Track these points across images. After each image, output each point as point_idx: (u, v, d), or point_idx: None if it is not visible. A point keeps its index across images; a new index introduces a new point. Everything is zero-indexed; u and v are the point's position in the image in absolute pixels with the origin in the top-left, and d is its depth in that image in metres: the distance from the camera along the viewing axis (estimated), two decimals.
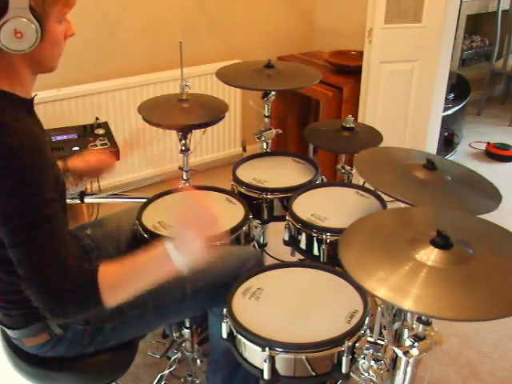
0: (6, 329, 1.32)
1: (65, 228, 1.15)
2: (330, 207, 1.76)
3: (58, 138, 2.33)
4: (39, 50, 1.12)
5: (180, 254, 1.08)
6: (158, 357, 1.96)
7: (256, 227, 1.81)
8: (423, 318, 1.11)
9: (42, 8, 1.09)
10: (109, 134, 2.28)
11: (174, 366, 1.88)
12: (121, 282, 1.12)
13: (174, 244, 1.09)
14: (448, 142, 3.64)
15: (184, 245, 1.09)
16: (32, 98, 1.22)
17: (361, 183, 1.85)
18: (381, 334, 1.30)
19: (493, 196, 1.45)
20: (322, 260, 1.63)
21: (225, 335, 1.32)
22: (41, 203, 1.08)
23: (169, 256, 1.08)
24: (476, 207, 1.40)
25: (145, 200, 1.77)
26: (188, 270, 1.09)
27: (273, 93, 2.10)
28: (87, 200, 2.00)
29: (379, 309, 1.25)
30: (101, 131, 2.26)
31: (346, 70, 3.05)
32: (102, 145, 2.03)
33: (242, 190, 1.90)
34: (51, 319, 1.19)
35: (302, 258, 1.77)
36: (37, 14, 1.08)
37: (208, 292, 1.45)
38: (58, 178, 1.18)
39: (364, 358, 1.25)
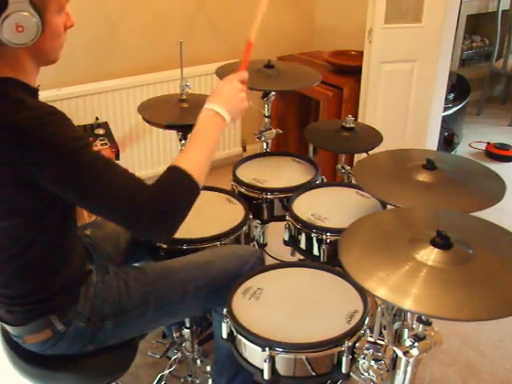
0: (7, 326, 1.31)
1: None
2: (330, 207, 1.76)
3: None
4: (41, 43, 1.13)
5: (223, 106, 1.28)
6: (158, 357, 1.95)
7: (256, 227, 1.81)
8: (423, 317, 1.11)
9: (42, 1, 1.10)
10: (109, 134, 2.27)
11: (174, 366, 1.88)
12: (197, 160, 1.23)
13: (215, 101, 1.28)
14: (448, 142, 3.63)
15: (225, 97, 1.31)
16: (37, 88, 1.23)
17: None
18: (381, 333, 1.30)
19: (497, 185, 1.46)
20: (321, 260, 1.63)
21: (225, 335, 1.32)
22: (90, 148, 1.13)
23: (216, 113, 1.27)
24: (482, 198, 1.41)
25: None
26: (232, 120, 1.29)
27: (273, 93, 2.10)
28: None
29: (379, 309, 1.25)
30: (101, 131, 2.25)
31: (346, 70, 3.05)
32: (102, 145, 2.03)
33: (242, 190, 1.90)
34: (171, 234, 1.21)
35: (302, 257, 1.77)
36: (37, 7, 1.09)
37: (209, 291, 1.45)
38: None
39: (364, 358, 1.26)
